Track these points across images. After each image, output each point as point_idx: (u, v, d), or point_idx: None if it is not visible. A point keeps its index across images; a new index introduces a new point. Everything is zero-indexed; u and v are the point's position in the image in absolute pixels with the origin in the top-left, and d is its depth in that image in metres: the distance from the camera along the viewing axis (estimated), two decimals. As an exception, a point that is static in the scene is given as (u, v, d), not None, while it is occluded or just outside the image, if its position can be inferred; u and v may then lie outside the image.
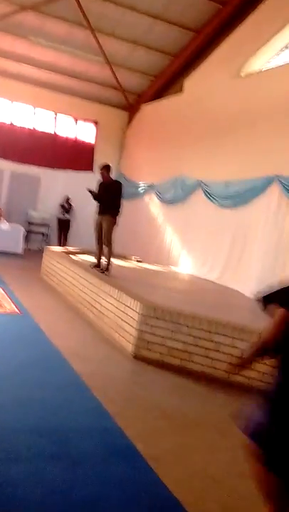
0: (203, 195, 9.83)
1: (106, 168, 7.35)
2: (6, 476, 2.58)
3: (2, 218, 11.78)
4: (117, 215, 7.19)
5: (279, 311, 2.08)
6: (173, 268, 10.19)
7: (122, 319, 5.46)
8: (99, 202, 7.32)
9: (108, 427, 3.40)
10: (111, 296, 5.90)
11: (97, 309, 6.23)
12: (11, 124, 12.85)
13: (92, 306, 6.41)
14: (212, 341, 4.83)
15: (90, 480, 2.69)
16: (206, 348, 4.84)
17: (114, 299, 5.78)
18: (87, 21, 10.73)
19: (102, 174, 7.38)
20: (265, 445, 2.02)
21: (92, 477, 2.72)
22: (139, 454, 3.05)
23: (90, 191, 7.33)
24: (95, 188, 7.42)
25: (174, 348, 4.95)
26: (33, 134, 13.07)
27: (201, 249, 9.73)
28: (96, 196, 7.31)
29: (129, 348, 5.12)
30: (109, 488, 2.65)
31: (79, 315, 6.58)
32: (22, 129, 12.98)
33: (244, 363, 2.30)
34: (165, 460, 3.06)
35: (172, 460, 3.09)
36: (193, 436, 3.53)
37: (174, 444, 3.32)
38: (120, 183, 7.47)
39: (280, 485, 1.99)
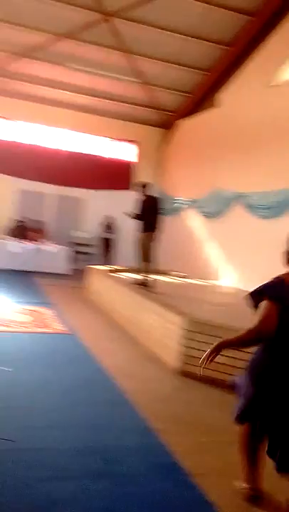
0: (242, 207, 9.81)
1: (143, 186, 7.51)
2: (53, 494, 2.67)
3: (47, 241, 12.16)
4: (155, 231, 7.30)
5: (268, 304, 2.52)
6: (215, 282, 10.17)
7: (166, 335, 5.52)
8: (139, 220, 7.47)
9: (154, 444, 3.45)
10: (154, 312, 5.98)
11: (141, 326, 6.32)
12: (53, 148, 13.32)
13: (136, 323, 6.51)
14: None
15: (136, 498, 2.74)
16: (250, 362, 4.82)
17: (158, 315, 5.86)
18: (122, 45, 11.05)
19: (140, 192, 7.53)
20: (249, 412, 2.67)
21: (138, 495, 2.78)
22: (185, 471, 3.08)
23: (128, 214, 7.51)
24: (136, 206, 7.57)
25: (218, 362, 4.94)
26: (73, 157, 13.47)
27: (243, 262, 9.67)
28: (135, 216, 7.46)
29: (174, 364, 5.17)
30: (155, 506, 2.70)
31: (124, 332, 6.69)
32: (63, 152, 13.41)
33: (214, 355, 2.67)
34: (211, 477, 3.07)
35: (218, 477, 3.09)
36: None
37: (220, 461, 3.31)
38: (158, 200, 7.58)
39: (252, 433, 2.75)
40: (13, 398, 3.99)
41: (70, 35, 10.79)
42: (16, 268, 11.06)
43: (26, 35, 10.79)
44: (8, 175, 12.78)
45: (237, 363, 4.88)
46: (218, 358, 4.86)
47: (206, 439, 3.64)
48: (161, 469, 3.11)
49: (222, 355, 4.83)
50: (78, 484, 2.80)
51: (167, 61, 11.66)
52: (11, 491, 2.67)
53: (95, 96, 12.97)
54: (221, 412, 4.23)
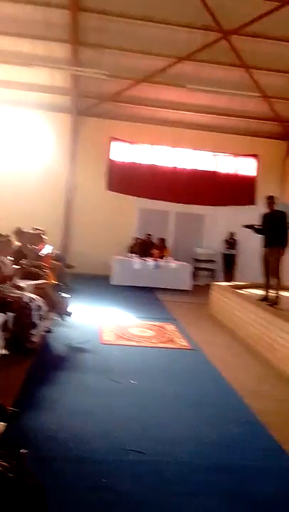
0: None
1: (272, 199, 7.29)
2: (186, 510, 2.61)
3: (170, 257, 12.31)
4: (283, 245, 7.02)
5: None
6: None
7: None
8: (263, 234, 7.24)
9: (289, 468, 3.23)
10: (283, 330, 5.69)
11: (268, 344, 6.05)
12: (174, 167, 13.56)
13: (263, 340, 6.25)
14: None
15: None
16: None
17: (287, 333, 5.56)
18: (241, 60, 10.96)
19: (268, 205, 7.31)
20: None
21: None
22: None
23: (248, 226, 7.36)
24: (258, 221, 7.37)
25: None
26: (194, 174, 13.59)
27: None
28: (259, 230, 7.26)
29: (307, 385, 4.85)
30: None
31: (250, 350, 6.46)
32: (185, 171, 13.59)
33: None
34: None
35: None
36: None
37: None
38: (285, 213, 7.29)
39: None
40: (140, 410, 4.01)
41: (189, 56, 10.97)
42: (139, 284, 11.32)
43: (148, 61, 11.19)
44: (132, 195, 13.23)
45: None
46: None
47: None
48: (299, 496, 2.88)
49: None
50: (210, 502, 2.72)
51: (286, 72, 11.31)
52: (152, 503, 2.67)
53: (215, 114, 12.97)
54: None
